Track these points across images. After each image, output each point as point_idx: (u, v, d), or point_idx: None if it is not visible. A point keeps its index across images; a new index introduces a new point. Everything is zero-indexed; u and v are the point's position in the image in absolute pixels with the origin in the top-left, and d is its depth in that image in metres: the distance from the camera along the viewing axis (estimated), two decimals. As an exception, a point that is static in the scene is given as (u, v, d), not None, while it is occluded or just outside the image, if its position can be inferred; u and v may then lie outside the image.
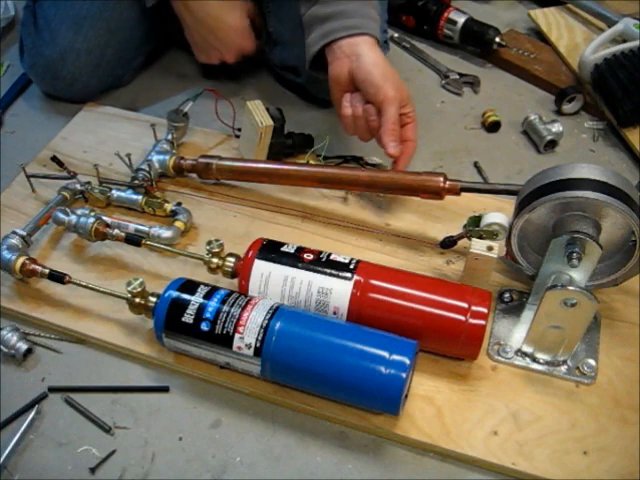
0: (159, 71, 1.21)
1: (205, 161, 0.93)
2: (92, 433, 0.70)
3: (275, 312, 0.69)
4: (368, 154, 1.01)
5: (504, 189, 0.82)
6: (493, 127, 1.10)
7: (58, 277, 0.77)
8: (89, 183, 0.91)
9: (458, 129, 1.11)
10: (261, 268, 0.74)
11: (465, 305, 0.70)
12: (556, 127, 1.05)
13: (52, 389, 0.73)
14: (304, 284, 0.73)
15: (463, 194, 0.84)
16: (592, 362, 0.74)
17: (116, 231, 0.82)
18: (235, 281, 0.77)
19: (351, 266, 0.73)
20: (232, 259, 0.77)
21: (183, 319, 0.69)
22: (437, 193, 0.84)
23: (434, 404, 0.71)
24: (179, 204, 0.90)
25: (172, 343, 0.72)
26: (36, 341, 0.78)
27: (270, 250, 0.75)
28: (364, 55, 0.86)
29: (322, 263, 0.74)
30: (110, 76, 1.13)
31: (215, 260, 0.77)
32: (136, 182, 0.92)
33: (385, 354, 0.65)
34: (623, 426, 0.70)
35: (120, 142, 1.02)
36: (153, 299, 0.73)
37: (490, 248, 0.75)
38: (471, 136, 1.10)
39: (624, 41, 1.12)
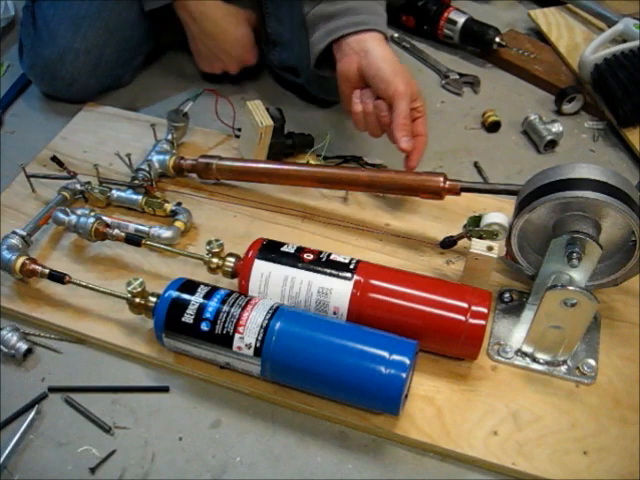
0: (159, 71, 1.21)
1: (205, 161, 0.93)
2: (92, 433, 0.70)
3: (275, 312, 0.69)
4: (368, 154, 1.01)
5: (504, 189, 0.82)
6: (493, 127, 1.10)
7: (58, 277, 0.77)
8: (89, 183, 0.91)
9: (458, 129, 1.11)
10: (261, 268, 0.74)
11: (465, 305, 0.70)
12: (556, 127, 1.05)
13: (52, 389, 0.73)
14: (304, 284, 0.73)
15: (463, 194, 0.84)
16: (592, 362, 0.74)
17: (116, 231, 0.82)
18: (235, 281, 0.77)
19: (351, 266, 0.73)
20: (232, 259, 0.77)
21: (183, 319, 0.69)
22: (437, 193, 0.84)
23: (434, 404, 0.71)
24: (179, 204, 0.90)
25: (172, 343, 0.72)
26: (36, 341, 0.78)
27: (270, 250, 0.75)
28: (373, 51, 0.86)
29: (322, 263, 0.74)
30: (109, 76, 1.13)
31: (215, 260, 0.77)
32: (136, 182, 0.92)
33: (385, 354, 0.65)
34: (623, 426, 0.70)
35: (120, 142, 1.02)
36: (153, 299, 0.73)
37: (490, 248, 0.75)
38: (471, 136, 1.10)
39: (624, 41, 1.12)
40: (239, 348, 0.68)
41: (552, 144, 1.06)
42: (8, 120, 1.11)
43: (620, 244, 0.73)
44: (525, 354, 0.74)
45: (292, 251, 0.75)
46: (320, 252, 0.75)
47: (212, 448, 0.69)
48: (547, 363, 0.74)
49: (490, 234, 0.76)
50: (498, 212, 0.77)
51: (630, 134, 1.06)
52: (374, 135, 0.91)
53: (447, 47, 1.29)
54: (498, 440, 0.68)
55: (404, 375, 0.64)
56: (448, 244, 0.83)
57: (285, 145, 0.98)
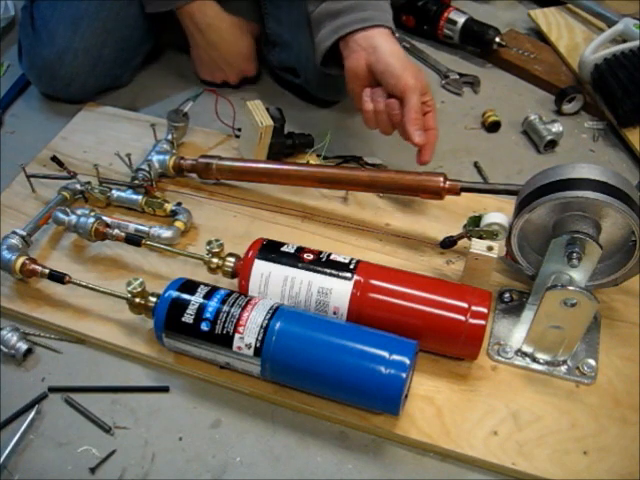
0: (159, 71, 1.21)
1: (205, 161, 0.93)
2: (92, 433, 0.70)
3: (275, 312, 0.69)
4: (368, 154, 1.01)
5: (504, 189, 0.82)
6: (493, 127, 1.10)
7: (58, 277, 0.77)
8: (89, 183, 0.91)
9: (458, 129, 1.11)
10: (261, 268, 0.74)
11: (465, 305, 0.70)
12: (556, 127, 1.05)
13: (52, 389, 0.73)
14: (304, 284, 0.73)
15: (463, 194, 0.84)
16: (592, 362, 0.74)
17: (116, 231, 0.82)
18: (235, 281, 0.77)
19: (351, 266, 0.73)
20: (232, 259, 0.77)
21: (183, 319, 0.69)
22: (437, 193, 0.84)
23: (434, 404, 0.71)
24: (179, 204, 0.90)
25: (172, 343, 0.72)
26: (36, 341, 0.78)
27: (270, 250, 0.75)
28: (381, 46, 0.86)
29: (322, 263, 0.74)
30: (108, 76, 1.13)
31: (215, 260, 0.77)
32: (136, 182, 0.92)
33: (385, 354, 0.65)
34: (623, 426, 0.70)
35: (120, 142, 1.02)
36: (153, 299, 0.73)
37: (490, 248, 0.75)
38: (471, 136, 1.10)
39: (624, 41, 1.12)
40: (239, 348, 0.68)
41: (552, 144, 1.06)
42: (8, 120, 1.11)
43: (620, 244, 0.73)
44: (525, 354, 0.74)
45: (292, 251, 0.75)
46: (320, 252, 0.75)
47: (212, 448, 0.69)
48: (547, 363, 0.74)
49: (490, 234, 0.76)
50: (498, 212, 0.77)
51: (630, 134, 1.06)
52: (385, 133, 0.90)
53: (447, 47, 1.29)
54: (498, 440, 0.68)
55: (404, 375, 0.64)
56: (448, 244, 0.83)
57: (285, 145, 0.98)
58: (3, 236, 0.82)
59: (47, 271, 0.77)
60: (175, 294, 0.71)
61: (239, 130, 1.01)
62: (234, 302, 0.70)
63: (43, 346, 0.78)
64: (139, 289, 0.72)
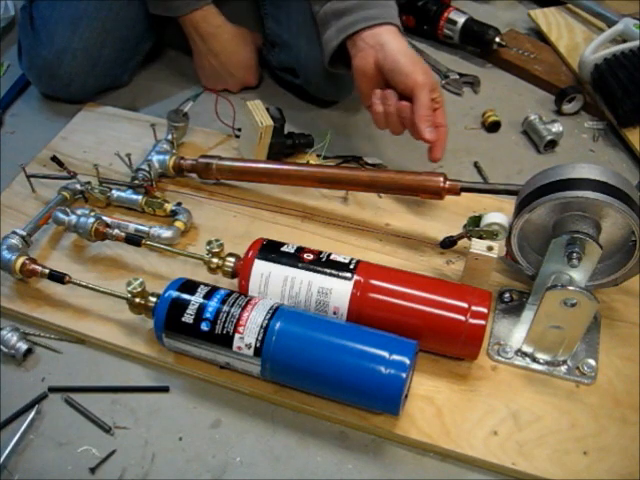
0: (159, 71, 1.21)
1: (205, 161, 0.93)
2: (92, 433, 0.70)
3: (275, 312, 0.69)
4: (368, 154, 1.01)
5: (504, 189, 0.82)
6: (493, 127, 1.10)
7: (58, 277, 0.77)
8: (89, 183, 0.91)
9: (458, 129, 1.11)
10: (261, 268, 0.74)
11: (465, 305, 0.70)
12: (556, 127, 1.05)
13: (52, 389, 0.73)
14: (304, 284, 0.73)
15: (463, 194, 0.84)
16: (592, 362, 0.74)
17: (116, 231, 0.82)
18: (235, 281, 0.77)
19: (351, 266, 0.73)
20: (232, 259, 0.77)
21: (183, 319, 0.69)
22: (437, 193, 0.84)
23: (434, 404, 0.71)
24: (179, 204, 0.90)
25: (172, 343, 0.72)
26: (36, 341, 0.78)
27: (270, 250, 0.75)
28: (389, 44, 0.86)
29: (322, 263, 0.74)
30: (107, 76, 1.13)
31: (215, 260, 0.77)
32: (136, 182, 0.92)
33: (385, 354, 0.65)
34: (623, 426, 0.70)
35: (120, 142, 1.02)
36: (153, 299, 0.73)
37: (490, 248, 0.75)
38: (471, 136, 1.10)
39: (624, 41, 1.12)
40: (239, 348, 0.68)
41: (552, 144, 1.06)
42: (8, 120, 1.11)
43: (620, 244, 0.73)
44: (525, 354, 0.74)
45: (292, 251, 0.75)
46: (320, 252, 0.75)
47: (212, 448, 0.69)
48: (547, 363, 0.74)
49: (490, 234, 0.76)
50: (498, 212, 0.77)
51: (630, 134, 1.06)
52: (395, 133, 0.90)
53: (447, 47, 1.29)
54: (498, 440, 0.68)
55: (404, 375, 0.64)
56: (448, 244, 0.83)
57: (285, 145, 0.98)
58: (3, 236, 0.82)
59: (47, 271, 0.77)
60: (175, 294, 0.71)
61: (239, 130, 1.01)
62: (234, 302, 0.70)
63: (43, 346, 0.78)
64: (139, 289, 0.72)
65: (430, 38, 1.30)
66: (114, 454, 0.69)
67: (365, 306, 0.72)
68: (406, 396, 0.69)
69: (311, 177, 0.89)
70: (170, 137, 0.97)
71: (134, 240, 0.81)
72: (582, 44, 1.21)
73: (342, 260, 0.74)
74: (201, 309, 0.69)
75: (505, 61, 1.23)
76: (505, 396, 0.72)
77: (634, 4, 1.27)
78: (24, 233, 0.82)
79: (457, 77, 1.20)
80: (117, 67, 1.13)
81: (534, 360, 0.74)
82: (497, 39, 1.22)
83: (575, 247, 0.68)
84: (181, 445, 0.69)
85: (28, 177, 0.93)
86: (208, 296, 0.70)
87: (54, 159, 0.93)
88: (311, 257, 0.74)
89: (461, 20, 1.24)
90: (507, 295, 0.80)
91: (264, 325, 0.68)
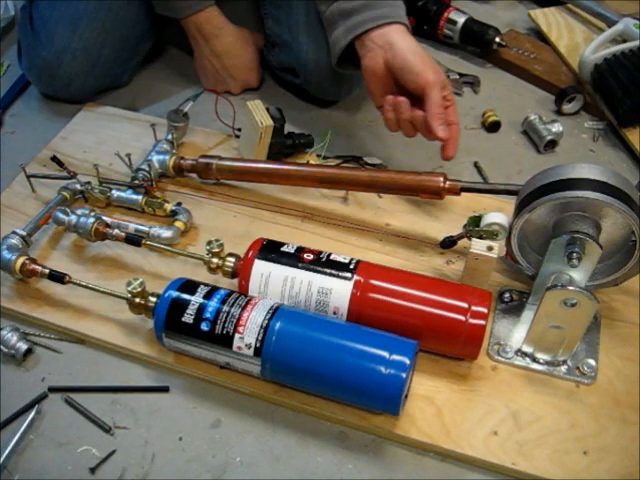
0: (159, 71, 1.21)
1: (205, 161, 0.93)
2: (92, 433, 0.70)
3: (275, 312, 0.69)
4: (368, 154, 1.01)
5: (504, 189, 0.82)
6: (493, 127, 1.10)
7: (58, 277, 0.77)
8: (89, 183, 0.91)
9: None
10: (261, 268, 0.74)
11: (465, 305, 0.70)
12: (556, 127, 1.05)
13: (52, 389, 0.73)
14: (304, 284, 0.73)
15: (463, 194, 0.84)
16: (592, 362, 0.74)
17: (116, 231, 0.82)
18: (235, 281, 0.77)
19: (351, 266, 0.73)
20: (232, 259, 0.77)
21: (183, 319, 0.69)
22: (437, 193, 0.84)
23: (434, 404, 0.71)
24: (179, 204, 0.90)
25: (172, 343, 0.72)
26: (36, 341, 0.78)
27: (270, 250, 0.75)
28: (398, 43, 0.85)
29: (322, 263, 0.74)
30: (107, 76, 1.13)
31: (215, 260, 0.77)
32: (136, 182, 0.92)
33: (385, 354, 0.65)
34: (623, 426, 0.70)
35: (120, 142, 1.02)
36: (153, 299, 0.73)
37: (490, 248, 0.75)
38: (471, 136, 1.09)
39: (624, 41, 1.12)
40: (239, 348, 0.68)
41: (552, 144, 1.06)
42: (8, 120, 1.11)
43: (620, 244, 0.73)
44: (525, 354, 0.74)
45: (292, 251, 0.75)
46: (320, 252, 0.75)
47: (212, 448, 0.69)
48: (547, 363, 0.74)
49: (490, 234, 0.76)
50: (498, 212, 0.77)
51: (630, 134, 1.06)
52: (408, 136, 0.90)
53: (447, 47, 1.29)
54: (498, 440, 0.68)
55: (404, 375, 0.64)
56: (448, 244, 0.83)
57: (285, 145, 0.98)
58: (3, 236, 0.82)
59: (47, 271, 0.77)
60: (175, 294, 0.71)
61: (239, 130, 1.01)
62: (234, 302, 0.70)
63: (43, 346, 0.78)
64: (139, 289, 0.72)
65: (430, 38, 1.30)
66: (114, 454, 0.69)
67: (365, 306, 0.72)
68: (406, 396, 0.69)
69: (311, 177, 0.89)
70: (170, 137, 0.97)
71: (134, 240, 0.81)
72: (582, 44, 1.21)
73: (342, 260, 0.74)
74: (201, 309, 0.69)
75: (505, 61, 1.23)
76: (505, 396, 0.72)
77: (634, 4, 1.27)
78: (24, 233, 0.82)
79: (457, 77, 1.20)
80: (117, 67, 1.13)
81: (534, 360, 0.74)
82: (497, 39, 1.22)
83: (575, 247, 0.68)
84: (181, 445, 0.69)
85: (28, 177, 0.93)
86: (208, 296, 0.70)
87: (54, 159, 0.93)
88: (311, 257, 0.74)
89: (461, 20, 1.24)
90: (507, 295, 0.80)
91: (264, 325, 0.68)
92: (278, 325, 0.68)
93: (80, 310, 0.80)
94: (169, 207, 0.89)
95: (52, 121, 1.09)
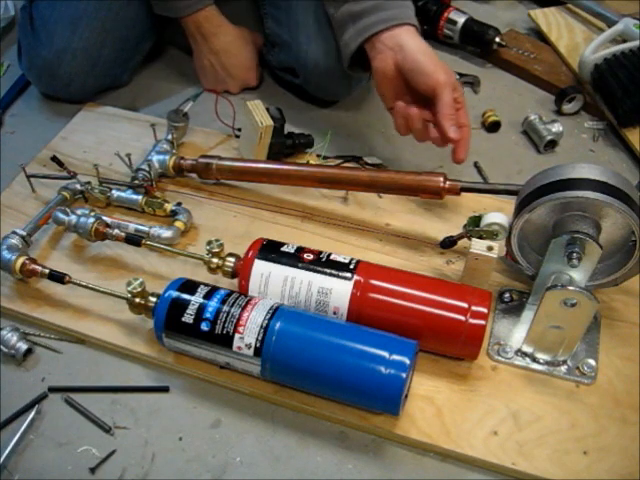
0: (159, 71, 1.21)
1: (205, 161, 0.93)
2: (92, 433, 0.70)
3: (275, 312, 0.69)
4: (368, 154, 1.01)
5: (504, 189, 0.82)
6: (493, 127, 1.10)
7: (58, 277, 0.77)
8: (89, 183, 0.91)
9: (458, 129, 1.11)
10: (261, 268, 0.74)
11: (465, 305, 0.70)
12: (556, 127, 1.05)
13: (52, 389, 0.73)
14: (304, 284, 0.73)
15: (463, 194, 0.85)
16: (592, 362, 0.74)
17: (116, 231, 0.82)
18: (235, 281, 0.77)
19: (351, 266, 0.73)
20: (232, 259, 0.77)
21: (183, 319, 0.69)
22: (437, 193, 0.84)
23: (434, 404, 0.71)
24: (179, 204, 0.90)
25: (172, 343, 0.72)
26: (36, 341, 0.78)
27: (270, 250, 0.75)
28: (408, 44, 0.85)
29: (322, 263, 0.74)
30: (107, 76, 1.13)
31: (215, 260, 0.77)
32: (136, 182, 0.92)
33: (385, 354, 0.65)
34: (623, 426, 0.70)
35: (120, 142, 1.02)
36: (153, 299, 0.73)
37: (490, 248, 0.75)
38: (471, 136, 1.09)
39: (624, 41, 1.12)
40: (239, 348, 0.68)
41: (552, 144, 1.06)
42: (8, 120, 1.11)
43: (620, 244, 0.73)
44: (525, 354, 0.74)
45: (292, 251, 0.75)
46: (320, 252, 0.75)
47: (212, 448, 0.69)
48: (547, 363, 0.74)
49: (490, 234, 0.76)
50: (498, 212, 0.77)
51: (630, 134, 1.06)
52: (419, 140, 0.90)
53: (447, 47, 1.29)
54: (498, 440, 0.68)
55: (404, 375, 0.64)
56: (448, 244, 0.83)
57: (285, 145, 0.98)
58: (3, 236, 0.82)
59: (47, 271, 0.77)
60: (175, 294, 0.71)
61: (239, 130, 1.01)
62: (234, 302, 0.70)
63: (43, 346, 0.78)
64: (139, 289, 0.72)
65: (430, 38, 1.29)
66: (114, 454, 0.69)
67: (365, 306, 0.72)
68: (406, 396, 0.69)
69: (311, 177, 0.89)
70: (170, 137, 0.97)
71: (134, 240, 0.81)
72: (582, 44, 1.21)
73: (342, 260, 0.74)
74: (201, 309, 0.69)
75: (505, 61, 1.23)
76: (505, 396, 0.72)
77: (634, 4, 1.27)
78: (24, 233, 0.82)
79: (457, 77, 1.20)
80: (117, 67, 1.13)
81: (534, 360, 0.74)
82: (497, 39, 1.22)
83: (575, 247, 0.68)
84: (181, 445, 0.69)
85: (28, 177, 0.93)
86: (208, 296, 0.70)
87: (54, 159, 0.93)
88: (311, 257, 0.74)
89: (461, 20, 1.24)
90: (507, 295, 0.80)
91: (264, 325, 0.68)
92: (278, 325, 0.68)
93: (80, 310, 0.80)
94: (169, 207, 0.89)
95: (52, 121, 1.09)
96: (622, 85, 1.05)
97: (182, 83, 1.18)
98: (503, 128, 1.10)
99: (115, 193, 0.91)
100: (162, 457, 0.69)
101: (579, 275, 0.71)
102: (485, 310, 0.70)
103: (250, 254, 0.75)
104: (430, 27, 1.28)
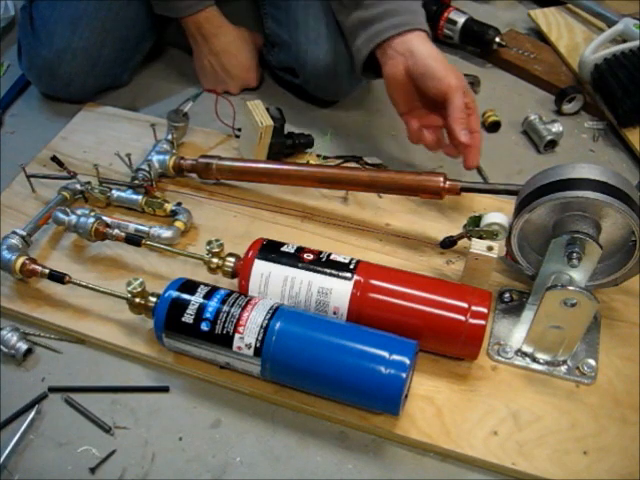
0: (159, 71, 1.21)
1: (205, 161, 0.93)
2: (92, 433, 0.70)
3: (275, 312, 0.69)
4: (368, 154, 1.01)
5: (504, 189, 0.82)
6: (493, 127, 1.10)
7: (58, 277, 0.77)
8: (89, 183, 0.91)
9: (458, 129, 1.11)
10: (261, 268, 0.74)
11: (465, 305, 0.70)
12: (556, 127, 1.05)
13: (52, 389, 0.73)
14: (304, 284, 0.73)
15: (463, 194, 0.85)
16: (592, 362, 0.74)
17: (116, 231, 0.82)
18: (235, 281, 0.77)
19: (351, 266, 0.73)
20: (232, 259, 0.77)
21: (183, 319, 0.69)
22: (437, 193, 0.84)
23: (434, 404, 0.71)
24: (179, 204, 0.90)
25: (172, 343, 0.72)
26: (36, 341, 0.78)
27: (270, 250, 0.75)
28: (418, 50, 0.85)
29: (322, 263, 0.74)
30: (107, 76, 1.13)
31: (215, 260, 0.77)
32: (136, 182, 0.92)
33: (385, 354, 0.65)
34: (623, 426, 0.70)
35: (120, 142, 1.02)
36: (153, 299, 0.73)
37: (490, 248, 0.75)
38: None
39: (624, 41, 1.12)
40: (239, 348, 0.68)
41: (552, 144, 1.06)
42: (8, 120, 1.11)
43: (620, 244, 0.73)
44: (525, 354, 0.74)
45: (292, 251, 0.75)
46: (320, 252, 0.75)
47: (212, 448, 0.69)
48: (547, 363, 0.74)
49: (490, 234, 0.76)
50: (498, 212, 0.77)
51: (630, 134, 1.06)
52: (431, 150, 0.90)
53: (447, 47, 1.29)
54: (498, 440, 0.68)
55: (404, 375, 0.64)
56: (448, 244, 0.83)
57: (285, 145, 0.98)
58: (3, 236, 0.82)
59: (47, 271, 0.77)
60: (175, 294, 0.71)
61: (239, 130, 1.01)
62: (234, 302, 0.70)
63: (43, 346, 0.78)
64: (139, 289, 0.72)
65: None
66: (114, 454, 0.69)
67: (365, 306, 0.72)
68: (406, 396, 0.69)
69: (311, 177, 0.89)
70: (170, 137, 0.97)
71: (134, 240, 0.81)
72: (582, 44, 1.21)
73: (342, 260, 0.74)
74: (201, 309, 0.69)
75: (505, 61, 1.23)
76: (505, 396, 0.72)
77: (634, 4, 1.27)
78: (24, 233, 0.82)
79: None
80: (117, 67, 1.13)
81: (534, 360, 0.74)
82: (497, 39, 1.22)
83: (575, 247, 0.68)
84: (181, 445, 0.69)
85: (28, 177, 0.93)
86: (208, 296, 0.70)
87: (54, 159, 0.93)
88: (311, 257, 0.74)
89: (461, 20, 1.24)
90: (507, 295, 0.80)
91: (264, 325, 0.68)
92: (278, 325, 0.68)
93: (80, 310, 0.80)
94: (169, 207, 0.89)
95: (52, 121, 1.09)
96: (622, 85, 1.05)
97: (182, 83, 1.18)
98: (503, 128, 1.10)
99: (115, 193, 0.91)
100: (162, 457, 0.69)
101: (579, 275, 0.71)
102: (485, 310, 0.70)
103: (250, 254, 0.75)
104: (430, 27, 1.27)
